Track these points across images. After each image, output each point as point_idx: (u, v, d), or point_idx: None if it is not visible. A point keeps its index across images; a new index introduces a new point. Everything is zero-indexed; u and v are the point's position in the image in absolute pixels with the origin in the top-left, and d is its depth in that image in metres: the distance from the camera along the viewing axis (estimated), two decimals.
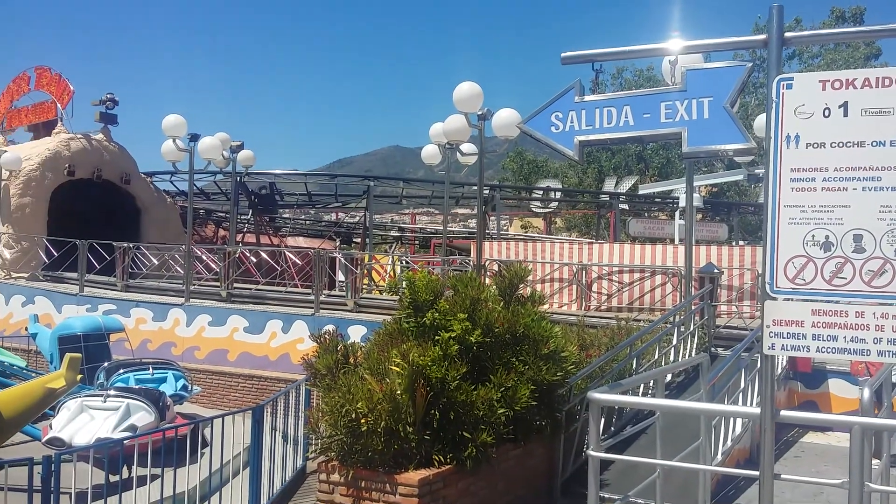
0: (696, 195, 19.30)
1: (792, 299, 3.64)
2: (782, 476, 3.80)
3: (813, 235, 3.60)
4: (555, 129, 4.75)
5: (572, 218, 40.10)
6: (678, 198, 20.29)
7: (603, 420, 6.70)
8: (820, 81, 3.63)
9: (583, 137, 4.64)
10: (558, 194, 32.71)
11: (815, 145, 3.61)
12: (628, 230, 24.40)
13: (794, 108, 3.66)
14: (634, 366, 7.87)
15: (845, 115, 3.56)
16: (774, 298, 3.66)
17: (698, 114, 4.20)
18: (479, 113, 12.60)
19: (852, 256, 3.53)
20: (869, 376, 8.29)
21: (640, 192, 26.99)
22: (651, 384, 7.87)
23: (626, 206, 28.43)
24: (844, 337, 3.54)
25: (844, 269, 3.55)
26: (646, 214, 29.90)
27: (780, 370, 9.24)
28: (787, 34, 3.87)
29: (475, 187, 16.43)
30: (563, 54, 4.72)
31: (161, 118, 16.05)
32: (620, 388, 5.07)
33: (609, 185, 32.20)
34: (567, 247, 18.34)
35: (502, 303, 6.31)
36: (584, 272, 15.46)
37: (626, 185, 30.81)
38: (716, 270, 11.07)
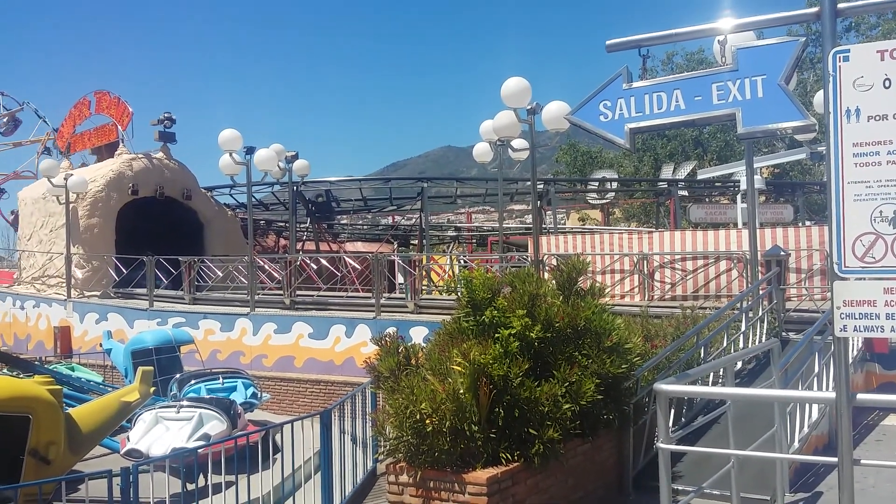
0: (757, 177, 18.79)
1: (863, 278, 3.52)
2: (862, 461, 3.67)
3: (881, 211, 3.47)
4: (604, 118, 4.70)
5: (630, 208, 39.53)
6: (739, 181, 19.78)
7: (673, 411, 6.59)
8: (878, 52, 3.51)
9: (633, 125, 4.57)
10: (614, 185, 32.24)
11: (878, 118, 3.49)
12: (689, 217, 23.93)
13: (852, 80, 3.55)
14: (702, 355, 7.69)
15: None
16: (844, 278, 3.55)
17: (752, 93, 4.10)
18: (529, 107, 12.52)
19: None
20: None
21: (699, 177, 26.42)
22: (720, 373, 7.70)
23: (685, 193, 27.87)
24: None
25: None
26: (706, 200, 29.23)
27: (855, 352, 8.91)
28: (841, 5, 3.75)
29: (529, 183, 16.33)
30: (608, 42, 4.66)
31: (217, 134, 16.50)
32: (688, 378, 4.97)
33: (666, 172, 31.63)
34: (626, 237, 18.08)
35: (561, 297, 6.24)
36: (644, 262, 15.20)
37: (684, 171, 30.21)
38: (783, 253, 10.75)
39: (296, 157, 20.00)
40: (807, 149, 18.34)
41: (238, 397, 10.69)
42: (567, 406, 5.30)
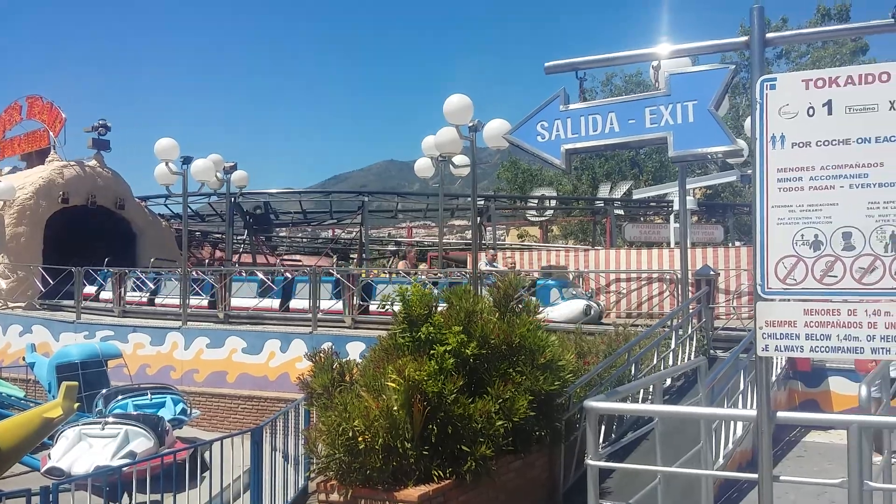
0: (690, 198, 19.31)
1: (784, 300, 3.63)
2: (781, 478, 3.78)
3: (802, 235, 3.59)
4: (541, 138, 4.75)
5: (568, 225, 40.11)
6: (672, 201, 20.31)
7: (603, 428, 6.67)
8: (803, 81, 3.63)
9: (569, 146, 4.63)
10: (553, 202, 32.73)
11: (801, 144, 3.60)
12: (624, 235, 24.42)
13: (778, 108, 3.66)
14: (633, 372, 7.83)
15: (829, 113, 3.56)
16: (767, 299, 3.65)
17: (683, 118, 4.20)
18: (470, 124, 12.62)
19: (842, 254, 3.51)
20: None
21: (635, 196, 27.02)
22: (651, 389, 7.83)
23: (621, 212, 28.46)
24: (837, 335, 3.52)
25: (835, 267, 3.53)
26: (641, 219, 29.92)
27: (779, 370, 9.21)
28: (769, 35, 3.88)
29: (470, 199, 16.41)
30: (546, 64, 4.73)
31: (154, 142, 16.11)
32: (617, 395, 5.04)
33: (604, 192, 32.26)
34: (563, 254, 18.37)
35: (497, 314, 6.28)
36: (580, 279, 15.45)
37: (620, 191, 30.87)
38: (712, 272, 11.05)
39: (234, 167, 19.68)
40: (738, 172, 18.99)
41: (167, 413, 10.38)
42: (500, 423, 5.32)
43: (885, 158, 3.45)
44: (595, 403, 4.09)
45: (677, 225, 16.13)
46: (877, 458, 5.60)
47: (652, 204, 28.23)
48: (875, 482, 4.76)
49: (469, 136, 12.76)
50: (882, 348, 3.46)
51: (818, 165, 3.56)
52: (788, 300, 3.61)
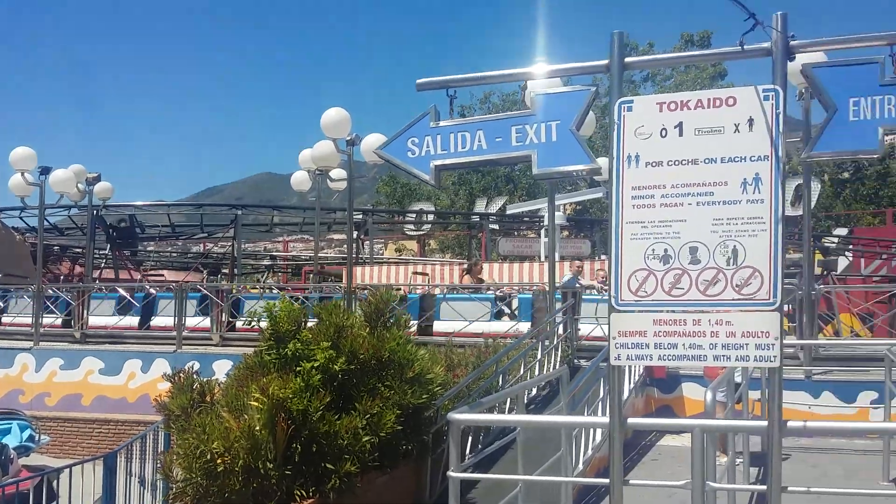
0: (559, 213, 19.99)
1: (636, 311, 3.78)
2: (631, 482, 3.92)
3: (653, 249, 3.75)
4: (411, 154, 4.75)
5: (445, 239, 40.58)
6: (544, 216, 20.95)
7: (470, 439, 6.74)
8: (657, 104, 3.82)
9: (438, 162, 4.66)
10: (430, 217, 33.00)
11: (654, 164, 3.78)
12: (498, 249, 24.94)
13: (634, 129, 3.83)
14: (500, 383, 7.96)
15: (680, 134, 3.75)
16: (619, 311, 3.79)
17: (547, 137, 4.31)
18: (348, 138, 12.58)
19: (689, 268, 3.70)
20: None
21: (509, 211, 27.69)
22: (516, 399, 8.00)
23: (496, 227, 29.07)
24: (683, 344, 3.69)
25: (682, 280, 3.72)
26: (515, 234, 30.67)
27: (637, 378, 9.64)
28: (628, 59, 4.05)
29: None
30: (418, 81, 4.76)
31: (9, 152, 15.06)
32: (481, 406, 5.10)
33: (480, 206, 32.84)
34: (439, 268, 18.54)
35: (368, 328, 6.22)
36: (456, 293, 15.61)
37: (495, 206, 31.52)
38: (577, 285, 11.45)
39: (98, 179, 18.58)
40: (604, 188, 19.84)
41: (12, 440, 9.58)
42: (367, 438, 5.25)
43: (729, 178, 3.67)
44: (458, 416, 4.12)
45: (547, 239, 16.65)
46: (723, 459, 5.96)
47: (525, 219, 29.00)
48: (719, 482, 5.05)
49: (346, 149, 12.70)
50: (723, 356, 3.66)
51: (669, 184, 3.75)
52: (639, 311, 3.77)
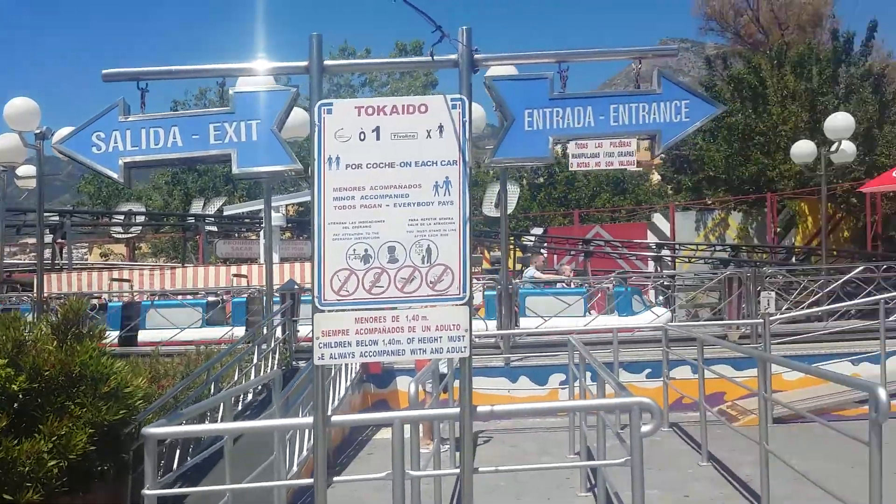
0: (279, 214, 19.77)
1: (338, 310, 3.86)
2: (335, 480, 3.99)
3: (354, 249, 3.85)
4: (97, 149, 4.37)
5: (159, 242, 38.15)
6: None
7: (178, 452, 6.41)
8: (356, 107, 3.92)
9: (128, 159, 4.34)
10: (141, 218, 30.77)
11: (354, 166, 3.88)
12: (216, 252, 24.00)
13: (334, 131, 3.89)
14: (212, 391, 7.66)
15: (378, 138, 3.88)
16: (322, 311, 3.84)
17: (247, 136, 4.23)
18: (37, 132, 11.37)
19: (388, 266, 3.86)
20: None
21: (227, 213, 26.79)
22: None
23: (214, 228, 27.93)
24: (383, 340, 3.84)
25: (381, 278, 3.86)
26: (236, 235, 29.74)
27: (354, 375, 9.87)
28: (327, 63, 4.09)
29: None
30: (104, 71, 4.39)
31: None
32: (181, 417, 4.86)
33: (196, 207, 31.33)
34: (149, 273, 17.36)
35: (56, 342, 5.62)
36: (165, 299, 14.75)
37: (214, 207, 30.28)
38: (296, 287, 11.40)
39: None
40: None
41: None
42: (53, 463, 4.74)
43: (423, 181, 3.88)
44: (153, 430, 3.90)
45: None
46: (431, 447, 6.31)
47: (246, 220, 28.26)
48: (425, 470, 5.35)
49: (36, 144, 11.45)
50: (420, 349, 3.87)
51: (368, 186, 3.87)
52: (342, 310, 3.85)
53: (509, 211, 15.62)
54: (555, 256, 25.50)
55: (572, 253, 24.70)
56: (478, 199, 27.38)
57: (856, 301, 12.08)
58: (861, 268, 14.88)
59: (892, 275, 14.61)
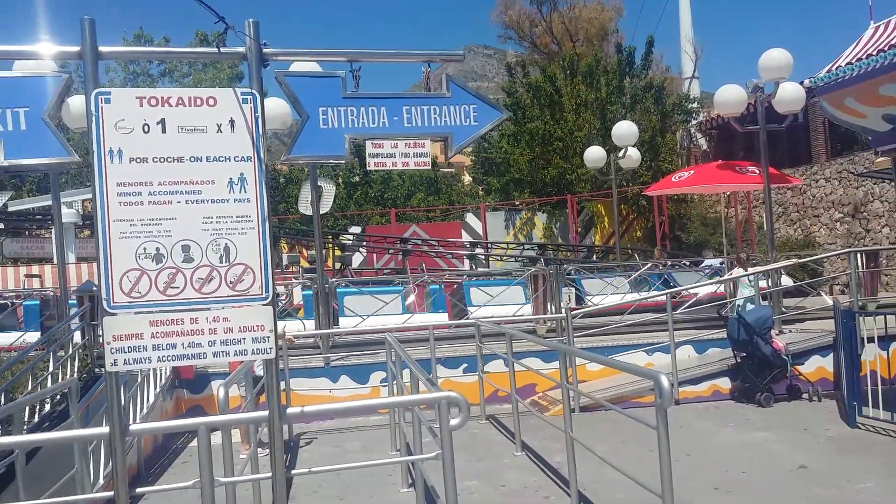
0: (73, 210, 18.33)
1: (130, 313, 3.64)
2: (142, 490, 3.76)
3: (145, 248, 3.65)
4: None
5: None
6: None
7: None
8: (137, 98, 3.70)
9: None
10: None
11: (139, 160, 3.66)
12: (3, 251, 21.84)
13: (114, 122, 3.65)
14: (2, 401, 7.00)
15: (164, 131, 3.69)
16: (113, 314, 3.60)
17: (14, 125, 3.88)
18: None
19: (183, 266, 3.69)
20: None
21: (13, 209, 24.42)
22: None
23: (1, 225, 25.37)
24: (182, 343, 3.68)
25: (177, 279, 3.69)
26: (26, 233, 27.19)
27: (164, 380, 9.37)
28: (102, 48, 3.80)
29: None
30: None
31: None
32: None
33: None
34: None
35: None
36: None
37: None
38: (95, 288, 10.60)
39: None
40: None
41: None
42: None
43: (216, 177, 3.74)
44: None
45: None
46: (247, 452, 6.13)
47: (37, 217, 25.90)
48: (241, 475, 5.20)
49: None
50: (223, 351, 3.75)
51: (156, 181, 3.68)
52: (135, 313, 3.64)
53: (326, 209, 15.40)
54: (374, 255, 25.58)
55: (391, 252, 24.89)
56: (293, 197, 26.77)
57: (646, 294, 13.14)
58: (650, 265, 16.19)
59: (681, 271, 15.99)
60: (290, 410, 4.07)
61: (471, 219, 27.60)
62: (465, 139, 4.12)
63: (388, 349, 8.66)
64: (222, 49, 3.63)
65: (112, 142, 3.64)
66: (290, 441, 9.00)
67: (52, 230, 19.87)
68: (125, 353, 3.64)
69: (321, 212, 12.59)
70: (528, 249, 26.10)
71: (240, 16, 3.81)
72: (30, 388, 7.93)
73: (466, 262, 24.39)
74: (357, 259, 24.98)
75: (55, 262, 17.41)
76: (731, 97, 12.91)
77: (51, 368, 8.56)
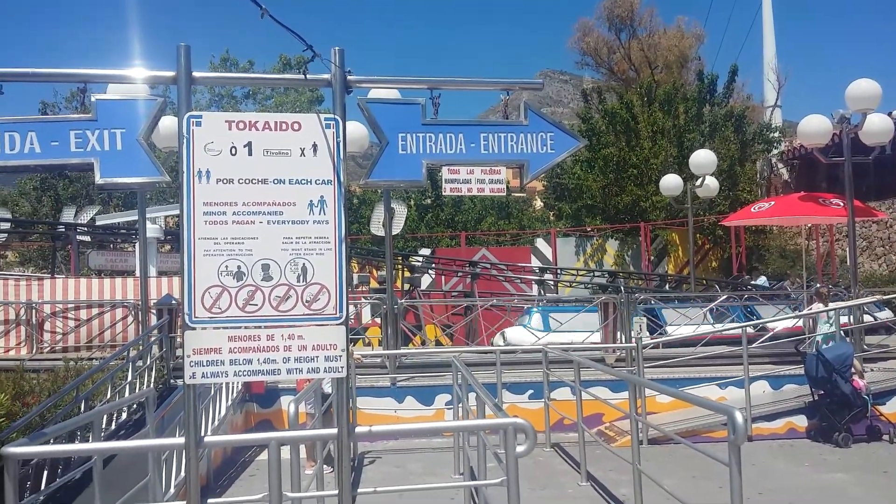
0: (156, 226, 19.03)
1: (211, 328, 3.75)
2: (209, 501, 3.86)
3: (226, 266, 3.77)
4: None
5: (27, 251, 35.85)
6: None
7: (46, 473, 6.05)
8: (226, 121, 3.83)
9: None
10: (6, 225, 28.81)
11: (225, 181, 3.79)
12: (89, 263, 22.80)
13: (203, 144, 3.79)
14: (83, 409, 7.27)
15: (250, 153, 3.81)
16: (193, 328, 3.73)
17: (111, 145, 4.07)
18: None
19: (262, 284, 3.79)
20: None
21: (101, 222, 25.50)
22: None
23: (87, 238, 26.51)
24: (258, 359, 3.77)
25: (255, 296, 3.79)
26: (111, 246, 28.34)
27: (236, 394, 9.59)
28: (196, 74, 3.98)
29: None
30: None
31: None
32: (44, 437, 4.59)
33: (68, 216, 29.63)
34: (13, 283, 16.27)
35: None
36: (33, 311, 13.90)
37: (87, 216, 28.72)
38: (174, 301, 10.97)
39: None
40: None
41: None
42: None
43: (297, 199, 3.84)
44: (14, 449, 3.69)
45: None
46: (312, 469, 6.22)
47: (122, 231, 26.99)
48: (308, 491, 5.28)
49: None
50: (296, 368, 3.82)
51: (240, 201, 3.80)
52: (214, 328, 3.75)
53: (397, 231, 15.58)
54: (442, 277, 25.69)
55: (459, 274, 24.94)
56: (366, 218, 27.12)
57: (720, 327, 12.76)
58: (725, 297, 15.73)
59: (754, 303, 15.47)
60: (358, 429, 4.12)
61: (541, 244, 27.44)
62: (540, 167, 4.12)
63: (454, 372, 8.66)
64: (308, 76, 3.75)
65: (201, 163, 3.78)
66: (354, 459, 9.08)
67: (136, 244, 20.69)
68: (204, 366, 3.75)
69: (393, 233, 12.71)
70: (598, 276, 25.78)
71: (321, 41, 3.93)
72: (108, 396, 8.23)
73: (535, 287, 24.22)
74: (426, 281, 25.09)
75: (137, 274, 18.12)
76: (815, 127, 12.53)
77: (129, 378, 8.87)
